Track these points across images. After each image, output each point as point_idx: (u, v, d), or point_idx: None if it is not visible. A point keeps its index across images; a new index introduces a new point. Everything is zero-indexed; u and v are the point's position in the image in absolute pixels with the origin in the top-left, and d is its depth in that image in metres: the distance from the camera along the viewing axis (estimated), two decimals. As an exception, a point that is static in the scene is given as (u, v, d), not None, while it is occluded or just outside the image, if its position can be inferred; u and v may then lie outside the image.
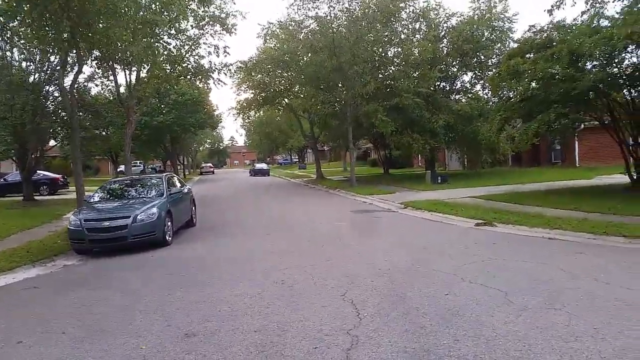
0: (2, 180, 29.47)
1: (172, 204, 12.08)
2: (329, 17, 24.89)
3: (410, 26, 28.49)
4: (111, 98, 24.45)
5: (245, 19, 23.54)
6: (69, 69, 19.17)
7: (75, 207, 14.11)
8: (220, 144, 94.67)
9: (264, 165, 59.58)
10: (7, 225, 14.95)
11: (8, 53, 19.63)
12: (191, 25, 20.89)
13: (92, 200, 12.13)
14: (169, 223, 11.53)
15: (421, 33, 28.24)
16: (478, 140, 20.65)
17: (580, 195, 16.02)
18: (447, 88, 29.37)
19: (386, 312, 5.49)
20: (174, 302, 6.46)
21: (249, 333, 5.09)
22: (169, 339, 5.07)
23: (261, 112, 45.32)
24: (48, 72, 21.21)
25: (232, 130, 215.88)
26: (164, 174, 13.52)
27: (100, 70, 20.63)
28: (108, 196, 12.35)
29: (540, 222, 11.56)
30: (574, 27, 14.98)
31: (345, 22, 25.30)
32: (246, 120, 60.16)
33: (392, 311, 5.53)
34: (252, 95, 33.02)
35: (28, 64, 21.98)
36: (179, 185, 14.20)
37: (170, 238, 11.47)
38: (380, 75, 25.79)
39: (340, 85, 25.37)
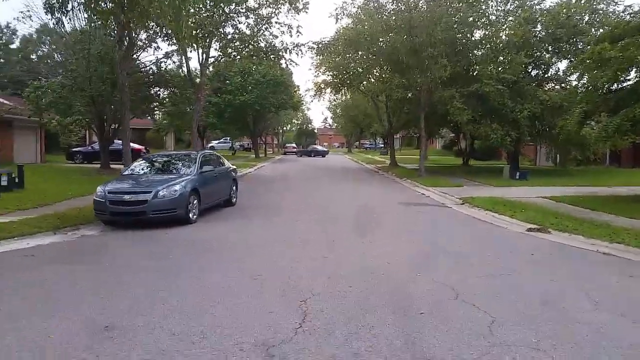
0: (90, 148, 31.51)
1: (202, 182, 11.85)
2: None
3: (500, 8, 26.18)
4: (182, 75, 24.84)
5: (319, -4, 22.80)
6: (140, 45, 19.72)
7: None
8: (309, 125, 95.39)
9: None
10: (66, 190, 15.66)
11: (87, 27, 20.46)
12: (258, 3, 20.60)
13: (125, 173, 12.24)
14: (195, 201, 11.32)
15: (512, 16, 25.83)
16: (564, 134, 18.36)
17: (670, 204, 13.77)
18: (539, 76, 26.70)
19: (330, 330, 4.67)
20: (132, 288, 6.08)
21: (166, 335, 4.54)
22: (84, 330, 4.66)
23: (342, 95, 44.62)
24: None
25: (318, 112, 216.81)
26: (200, 152, 13.34)
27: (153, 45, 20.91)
28: (142, 170, 12.39)
29: (602, 232, 9.95)
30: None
31: (426, 1, 23.79)
32: (332, 103, 60.22)
33: (339, 329, 4.71)
34: (330, 77, 32.36)
35: (110, 38, 22.95)
36: (219, 163, 14.00)
37: (195, 216, 11.27)
38: (459, 60, 23.88)
39: (415, 68, 23.89)
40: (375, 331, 4.64)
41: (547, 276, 6.84)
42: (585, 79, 14.85)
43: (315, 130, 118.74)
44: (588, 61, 14.01)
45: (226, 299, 5.61)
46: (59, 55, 25.00)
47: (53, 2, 13.08)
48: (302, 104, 48.12)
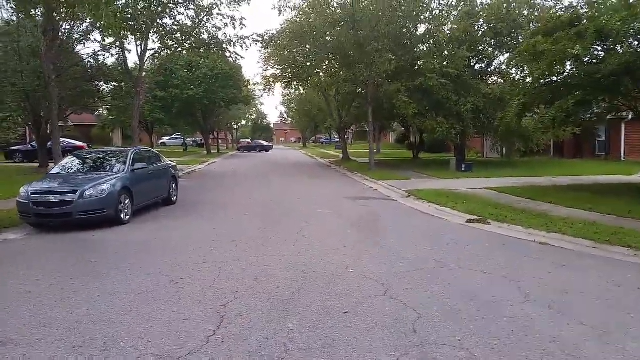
0: (29, 146, 29.99)
1: (134, 181, 11.29)
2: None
3: (443, 2, 26.50)
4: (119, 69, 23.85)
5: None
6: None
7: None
8: (264, 120, 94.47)
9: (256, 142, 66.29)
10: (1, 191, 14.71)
11: (15, 18, 19.29)
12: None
13: (52, 172, 11.54)
14: (127, 200, 10.77)
15: (455, 10, 26.21)
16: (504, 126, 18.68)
17: (606, 193, 14.18)
18: (482, 70, 27.18)
19: (245, 336, 4.39)
20: (41, 297, 5.61)
21: (65, 349, 4.14)
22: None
23: (295, 89, 44.31)
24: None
25: (273, 107, 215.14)
26: (132, 149, 12.74)
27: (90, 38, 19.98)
28: (71, 168, 11.70)
29: (540, 222, 10.10)
30: (607, 3, 13.00)
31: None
32: (286, 98, 59.77)
33: (255, 334, 4.43)
34: (278, 71, 31.95)
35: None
36: (155, 160, 13.44)
37: (127, 216, 10.72)
38: (404, 54, 23.97)
39: (361, 62, 23.82)
40: (293, 335, 4.39)
41: (481, 268, 6.78)
42: (522, 71, 15.07)
43: (272, 126, 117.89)
44: (525, 54, 14.20)
45: (141, 306, 5.23)
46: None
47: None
48: (253, 98, 47.38)
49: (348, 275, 6.41)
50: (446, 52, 24.68)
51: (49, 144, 24.78)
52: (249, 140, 72.32)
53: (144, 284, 6.02)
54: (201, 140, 62.33)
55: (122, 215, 10.54)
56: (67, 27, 20.94)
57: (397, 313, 5.00)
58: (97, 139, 50.13)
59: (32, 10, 12.93)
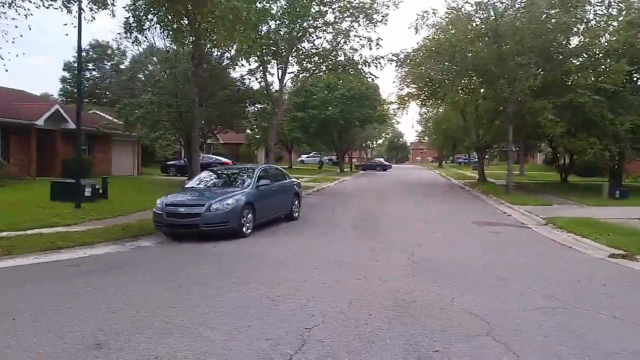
0: (182, 161, 33.22)
1: (258, 196, 11.78)
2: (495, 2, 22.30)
3: (600, 12, 23.95)
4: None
5: (398, 8, 22.24)
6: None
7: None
8: (400, 139, 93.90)
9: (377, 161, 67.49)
10: (147, 201, 16.35)
11: (174, 46, 21.54)
12: (335, 17, 20.51)
13: (187, 186, 12.51)
14: (249, 215, 11.26)
15: (615, 20, 23.52)
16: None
17: None
18: (647, 85, 23.98)
19: (318, 363, 4.19)
20: (144, 302, 5.99)
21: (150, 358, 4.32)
22: (73, 347, 4.56)
23: (433, 108, 43.37)
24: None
25: (408, 126, 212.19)
26: (260, 167, 13.32)
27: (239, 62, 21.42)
28: (204, 183, 12.59)
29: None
30: None
31: (519, 6, 22.35)
32: (423, 117, 58.75)
33: (330, 362, 4.21)
34: (414, 89, 31.51)
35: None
36: (280, 177, 13.94)
37: (249, 230, 11.19)
38: (552, 68, 22.04)
39: (502, 78, 22.45)
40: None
41: (612, 313, 5.79)
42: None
43: (408, 144, 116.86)
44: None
45: (231, 320, 5.31)
46: (148, 74, 26.57)
47: (130, 21, 13.79)
48: (388, 117, 47.32)
49: (451, 309, 5.88)
50: (602, 67, 22.20)
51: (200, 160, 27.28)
52: (382, 160, 72.60)
53: (242, 298, 6.14)
54: (337, 158, 63.97)
55: (244, 229, 11.03)
56: (218, 53, 22.92)
57: (495, 356, 4.43)
58: (244, 155, 54.01)
59: (185, 39, 14.28)
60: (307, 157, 70.57)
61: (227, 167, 15.06)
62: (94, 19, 12.78)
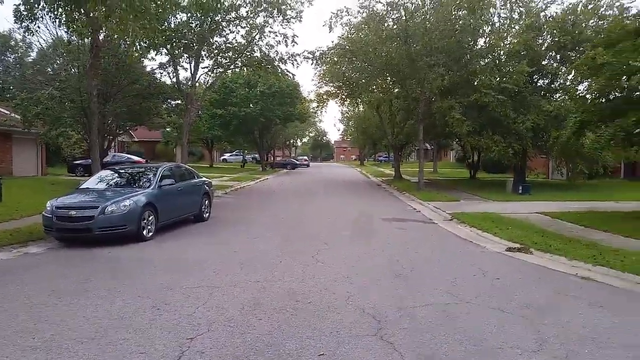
0: (90, 160, 31.32)
1: (161, 197, 11.20)
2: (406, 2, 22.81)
3: (504, 15, 25.27)
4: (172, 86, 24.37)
5: (312, 5, 22.19)
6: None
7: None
8: (324, 138, 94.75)
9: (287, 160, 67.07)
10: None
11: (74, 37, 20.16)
12: (247, 12, 20.11)
13: (82, 187, 11.68)
14: (151, 217, 10.66)
15: (517, 24, 24.89)
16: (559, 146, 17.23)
17: (676, 222, 12.64)
18: (543, 86, 25.55)
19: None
20: (14, 317, 5.41)
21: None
22: None
23: (352, 107, 43.98)
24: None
25: (330, 125, 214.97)
26: (163, 166, 12.69)
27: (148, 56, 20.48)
28: (100, 183, 11.78)
29: (588, 253, 9.04)
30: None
31: (428, 8, 22.98)
32: (345, 115, 59.58)
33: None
34: (332, 88, 31.75)
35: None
36: (188, 177, 13.39)
37: (150, 233, 10.60)
38: (459, 69, 22.93)
39: (412, 78, 23.07)
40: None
41: (502, 306, 5.96)
42: (582, 86, 13.87)
43: (332, 143, 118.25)
44: (583, 67, 13.05)
45: (108, 334, 4.88)
46: (52, 67, 24.82)
47: (21, 9, 12.67)
48: (308, 116, 47.43)
49: (345, 308, 5.79)
50: (505, 68, 23.39)
51: (105, 159, 25.80)
52: (305, 157, 72.84)
53: (125, 309, 5.70)
54: (259, 156, 63.37)
55: (145, 232, 10.43)
56: (125, 46, 21.72)
57: (380, 357, 4.35)
58: (162, 154, 52.10)
59: (81, 29, 13.32)
60: (230, 155, 69.41)
61: (129, 166, 14.18)
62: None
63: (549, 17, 24.31)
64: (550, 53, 24.69)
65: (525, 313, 5.74)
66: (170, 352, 4.40)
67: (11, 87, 49.62)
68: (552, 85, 25.65)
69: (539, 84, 25.65)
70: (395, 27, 23.60)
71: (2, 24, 71.97)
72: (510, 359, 4.42)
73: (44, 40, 23.71)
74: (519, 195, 21.13)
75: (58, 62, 25.56)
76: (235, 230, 12.19)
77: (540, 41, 24.51)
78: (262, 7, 20.44)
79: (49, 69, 26.84)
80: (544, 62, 24.67)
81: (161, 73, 25.26)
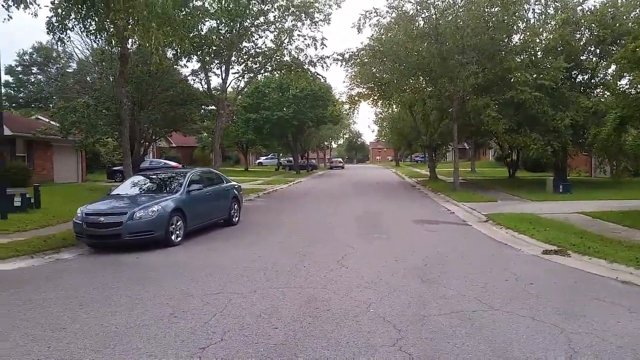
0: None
1: (190, 202, 11.24)
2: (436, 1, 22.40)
3: (539, 11, 24.48)
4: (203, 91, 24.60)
5: (340, 7, 22.05)
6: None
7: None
8: (359, 139, 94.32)
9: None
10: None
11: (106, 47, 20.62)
12: (274, 17, 20.12)
13: (113, 193, 11.86)
14: (179, 222, 10.71)
15: (552, 19, 24.05)
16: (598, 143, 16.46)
17: None
18: (583, 82, 24.58)
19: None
20: (36, 324, 5.45)
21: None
22: None
23: (387, 107, 43.42)
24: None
25: (364, 126, 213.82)
26: (192, 171, 12.75)
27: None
28: (131, 189, 11.94)
29: (630, 256, 8.56)
30: None
31: (459, 5, 22.48)
32: (379, 116, 58.99)
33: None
34: (364, 89, 31.41)
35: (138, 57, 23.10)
36: (216, 182, 13.43)
37: (179, 238, 10.65)
38: (493, 66, 22.26)
39: (445, 77, 22.57)
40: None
41: (533, 314, 5.63)
42: (623, 81, 13.20)
43: (367, 144, 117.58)
44: (623, 61, 12.41)
45: (121, 343, 4.83)
46: (91, 76, 25.51)
47: (52, 20, 13.01)
48: (341, 117, 47.18)
49: (365, 316, 5.59)
50: (542, 64, 22.63)
51: (142, 164, 26.33)
52: (340, 159, 72.87)
53: (143, 316, 5.67)
54: (293, 159, 63.50)
55: (173, 237, 10.48)
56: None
57: None
58: (199, 159, 52.94)
59: (110, 39, 13.61)
60: (266, 159, 69.99)
61: (158, 171, 14.35)
62: (11, 17, 11.98)
63: (586, 11, 23.42)
64: (589, 48, 23.86)
65: (558, 321, 5.40)
66: (181, 363, 4.32)
67: (54, 97, 51.54)
68: (592, 81, 24.70)
69: (577, 80, 24.77)
70: (425, 26, 23.18)
71: (41, 36, 74.87)
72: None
73: (80, 50, 24.39)
74: (559, 195, 20.40)
75: (95, 71, 26.27)
76: (262, 234, 12.12)
77: (578, 36, 23.69)
78: (290, 11, 20.43)
79: (88, 79, 27.62)
80: (582, 58, 23.81)
81: (194, 80, 25.66)
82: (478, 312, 5.78)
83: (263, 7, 20.41)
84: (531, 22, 24.45)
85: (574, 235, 10.81)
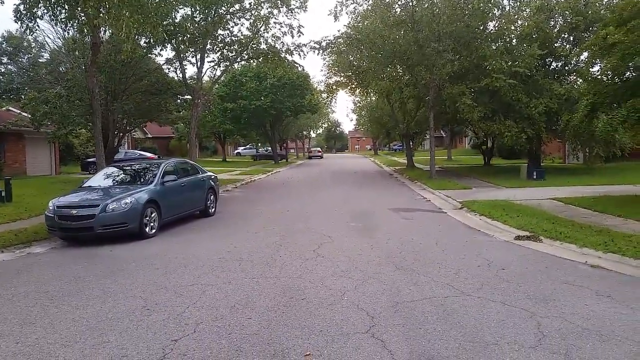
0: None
1: (163, 194, 11.12)
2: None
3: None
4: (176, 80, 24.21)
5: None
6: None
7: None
8: (338, 128, 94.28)
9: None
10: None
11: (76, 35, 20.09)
12: (249, 3, 19.88)
13: (85, 185, 11.65)
14: (153, 214, 10.60)
15: (528, 6, 24.27)
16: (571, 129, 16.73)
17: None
18: (556, 69, 24.91)
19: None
20: (4, 320, 5.34)
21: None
22: None
23: (364, 96, 43.49)
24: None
25: (343, 115, 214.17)
26: (165, 162, 12.60)
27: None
28: (103, 181, 11.73)
29: (599, 240, 8.74)
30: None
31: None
32: (357, 105, 59.00)
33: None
34: (341, 78, 31.40)
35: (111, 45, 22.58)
36: (192, 172, 13.29)
37: (153, 230, 10.54)
38: (468, 54, 22.41)
39: (421, 65, 22.65)
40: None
41: (503, 299, 5.73)
42: (595, 68, 13.42)
43: (346, 133, 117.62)
44: (593, 47, 12.61)
45: (92, 336, 4.78)
46: (60, 66, 24.88)
47: (20, 8, 12.62)
48: (319, 107, 47.07)
49: (339, 304, 5.62)
50: (516, 51, 22.86)
51: (117, 155, 25.91)
52: (318, 149, 72.86)
53: (115, 309, 5.60)
54: (271, 149, 63.13)
55: (147, 229, 10.37)
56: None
57: (368, 356, 4.18)
58: (175, 149, 52.35)
59: (81, 27, 13.29)
60: (244, 149, 69.53)
61: (132, 163, 14.15)
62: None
63: (560, -1, 23.67)
64: (563, 35, 24.12)
65: (528, 305, 5.51)
66: (152, 355, 4.29)
67: (26, 88, 50.28)
68: (566, 68, 25.03)
69: (551, 67, 25.06)
70: (402, 13, 23.19)
71: (11, 24, 72.81)
72: (507, 355, 4.21)
73: (51, 39, 23.95)
74: (533, 181, 20.72)
75: (67, 61, 25.69)
76: (238, 225, 12.06)
77: (552, 23, 23.92)
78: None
79: (61, 69, 26.98)
80: (556, 45, 24.07)
81: (168, 69, 25.24)
82: (450, 297, 5.86)
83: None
84: (506, 10, 24.68)
85: (546, 221, 11.00)
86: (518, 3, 25.05)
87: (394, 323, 4.99)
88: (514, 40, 23.74)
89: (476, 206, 13.74)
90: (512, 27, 23.50)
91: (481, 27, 23.68)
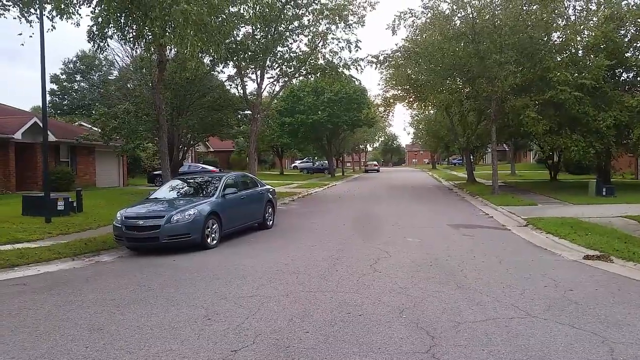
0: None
1: (225, 206, 11.41)
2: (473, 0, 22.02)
3: (580, 6, 23.73)
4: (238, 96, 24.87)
5: (375, 9, 21.98)
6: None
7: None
8: (394, 142, 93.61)
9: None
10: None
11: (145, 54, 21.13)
12: (308, 20, 20.23)
13: (151, 197, 12.13)
14: (215, 225, 10.88)
15: (595, 16, 23.28)
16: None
17: None
18: (628, 80, 23.68)
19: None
20: (73, 326, 5.60)
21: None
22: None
23: (422, 109, 43.02)
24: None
25: (400, 129, 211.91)
26: (226, 175, 12.93)
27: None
28: (168, 193, 12.19)
29: (677, 262, 8.11)
30: None
31: (496, 4, 22.06)
32: (414, 119, 58.45)
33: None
34: (399, 91, 31.21)
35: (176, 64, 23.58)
36: (250, 185, 13.57)
37: (214, 241, 10.82)
38: (532, 65, 21.69)
39: (482, 77, 22.14)
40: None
41: (572, 322, 5.44)
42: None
43: (403, 147, 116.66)
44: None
45: (155, 344, 4.92)
46: (130, 83, 26.24)
47: (93, 29, 13.44)
48: (375, 120, 46.94)
49: (398, 322, 5.52)
50: (583, 62, 21.93)
51: (181, 169, 26.89)
52: (375, 162, 72.55)
53: (177, 318, 5.76)
54: (328, 163, 63.42)
55: (209, 240, 10.66)
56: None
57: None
58: (235, 163, 53.71)
59: (148, 45, 13.98)
60: (301, 162, 70.33)
61: (195, 176, 14.62)
62: (54, 28, 12.49)
63: (632, 6, 22.55)
64: (635, 44, 22.92)
65: (599, 329, 5.19)
66: (210, 367, 4.36)
67: (96, 104, 53.28)
68: (638, 79, 23.77)
69: (621, 78, 23.89)
70: (462, 25, 22.83)
71: (84, 44, 77.35)
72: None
73: (120, 58, 25.31)
74: (602, 198, 19.69)
75: (135, 78, 27.06)
76: (295, 238, 12.16)
77: (623, 32, 22.82)
78: (324, 15, 20.49)
79: (129, 85, 28.46)
80: (627, 55, 22.91)
81: (230, 85, 26.05)
82: (515, 319, 5.62)
83: (297, 11, 20.58)
84: (571, 20, 23.78)
85: (618, 240, 10.40)
86: (585, 13, 24.09)
87: (456, 344, 4.83)
88: (580, 51, 22.82)
89: (542, 223, 13.18)
90: (578, 38, 22.58)
91: (545, 38, 22.92)
